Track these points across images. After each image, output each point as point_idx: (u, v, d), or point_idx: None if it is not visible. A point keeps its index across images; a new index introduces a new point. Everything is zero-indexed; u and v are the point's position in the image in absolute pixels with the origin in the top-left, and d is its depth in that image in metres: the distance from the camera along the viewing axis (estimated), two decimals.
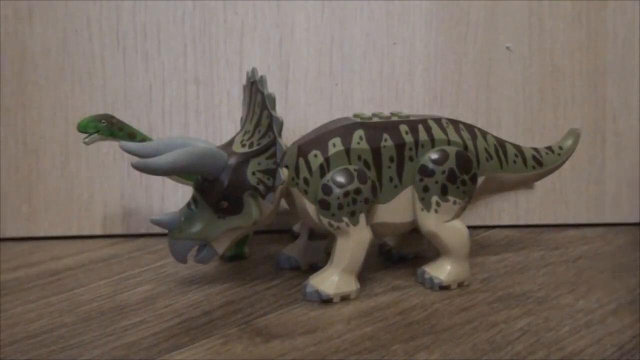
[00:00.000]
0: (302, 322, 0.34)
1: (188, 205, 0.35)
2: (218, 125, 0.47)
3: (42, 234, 0.46)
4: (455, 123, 0.39)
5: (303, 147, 0.36)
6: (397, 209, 0.37)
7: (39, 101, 0.45)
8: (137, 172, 0.34)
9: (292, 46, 0.47)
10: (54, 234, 0.47)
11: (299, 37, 0.47)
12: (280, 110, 0.35)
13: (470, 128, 0.39)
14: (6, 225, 0.46)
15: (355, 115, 0.38)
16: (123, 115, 0.43)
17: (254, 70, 0.36)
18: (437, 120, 0.38)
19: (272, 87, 0.36)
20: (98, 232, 0.47)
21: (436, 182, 0.37)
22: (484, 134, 0.39)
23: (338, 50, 0.47)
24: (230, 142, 0.36)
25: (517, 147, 0.40)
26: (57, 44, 0.45)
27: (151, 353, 0.30)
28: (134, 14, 0.45)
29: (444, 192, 0.37)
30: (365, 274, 0.39)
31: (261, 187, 0.35)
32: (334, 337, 0.32)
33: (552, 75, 0.48)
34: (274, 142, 0.35)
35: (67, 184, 0.46)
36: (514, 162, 0.40)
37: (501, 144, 0.40)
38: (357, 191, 0.35)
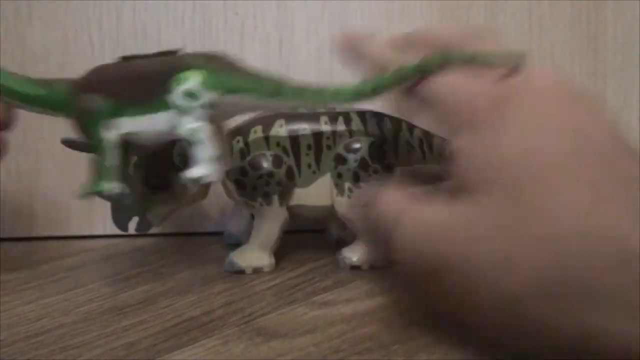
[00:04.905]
0: (302, 322, 0.34)
1: (126, 175, 0.36)
2: None
3: (42, 234, 0.46)
4: (380, 116, 0.40)
5: (230, 133, 0.39)
6: (316, 193, 0.40)
7: None
8: None
9: (292, 46, 0.47)
10: (54, 234, 0.47)
11: (299, 37, 0.47)
12: None
13: (397, 121, 0.40)
14: (6, 225, 0.46)
15: None
16: None
17: None
18: (361, 113, 0.40)
19: None
20: (98, 232, 0.47)
21: (349, 170, 0.39)
22: (412, 127, 0.40)
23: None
24: None
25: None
26: (57, 44, 0.45)
27: (151, 353, 0.30)
28: (134, 14, 0.45)
29: (355, 179, 0.39)
30: (366, 274, 0.39)
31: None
32: (334, 337, 0.32)
33: None
34: None
35: (67, 184, 0.46)
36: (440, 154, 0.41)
37: (428, 137, 0.40)
38: (270, 175, 0.38)
